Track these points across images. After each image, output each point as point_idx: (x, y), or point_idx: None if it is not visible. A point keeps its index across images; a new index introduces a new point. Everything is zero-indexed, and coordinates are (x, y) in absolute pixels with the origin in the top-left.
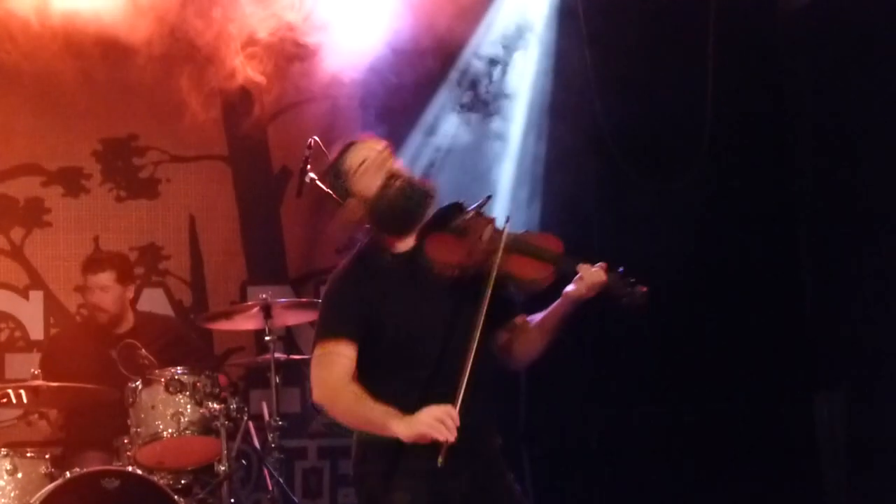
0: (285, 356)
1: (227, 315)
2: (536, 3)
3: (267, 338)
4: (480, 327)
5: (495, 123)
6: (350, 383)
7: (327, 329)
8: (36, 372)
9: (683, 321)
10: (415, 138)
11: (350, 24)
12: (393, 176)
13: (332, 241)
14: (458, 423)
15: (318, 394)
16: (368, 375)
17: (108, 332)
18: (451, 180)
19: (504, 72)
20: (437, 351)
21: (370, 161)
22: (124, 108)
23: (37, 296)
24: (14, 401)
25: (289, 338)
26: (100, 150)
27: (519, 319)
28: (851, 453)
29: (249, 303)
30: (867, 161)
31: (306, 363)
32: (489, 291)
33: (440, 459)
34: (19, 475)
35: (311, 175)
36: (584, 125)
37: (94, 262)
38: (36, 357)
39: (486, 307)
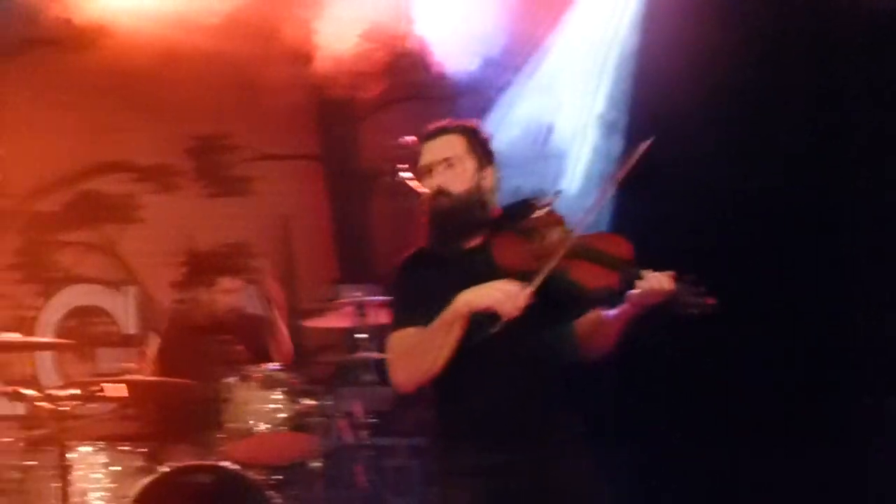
0: (377, 354)
1: (320, 312)
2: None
3: (359, 336)
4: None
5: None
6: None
7: (394, 321)
8: (131, 365)
9: (752, 327)
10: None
11: (444, 28)
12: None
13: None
14: (526, 302)
15: (395, 372)
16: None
17: (204, 329)
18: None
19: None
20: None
21: None
22: (217, 106)
23: (129, 291)
24: (110, 394)
25: (380, 336)
26: (192, 147)
27: (593, 314)
28: None
29: (343, 300)
30: None
31: None
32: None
33: (495, 328)
34: (114, 468)
35: (403, 174)
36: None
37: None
38: (128, 352)
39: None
